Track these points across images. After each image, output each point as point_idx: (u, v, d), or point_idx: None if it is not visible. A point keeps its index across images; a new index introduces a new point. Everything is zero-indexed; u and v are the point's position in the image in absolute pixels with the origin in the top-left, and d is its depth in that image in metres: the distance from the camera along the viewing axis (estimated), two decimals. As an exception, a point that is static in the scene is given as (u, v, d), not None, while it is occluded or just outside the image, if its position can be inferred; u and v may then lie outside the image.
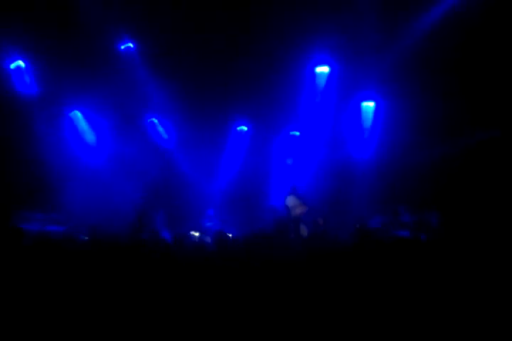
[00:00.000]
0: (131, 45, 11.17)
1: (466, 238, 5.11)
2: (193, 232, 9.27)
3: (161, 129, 12.16)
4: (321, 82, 11.40)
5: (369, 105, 11.38)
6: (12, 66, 10.84)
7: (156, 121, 12.14)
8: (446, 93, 9.15)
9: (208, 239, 8.04)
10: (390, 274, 3.74)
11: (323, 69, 11.26)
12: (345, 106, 11.32)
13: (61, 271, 3.75)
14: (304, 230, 8.45)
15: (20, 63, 10.90)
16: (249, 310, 3.27)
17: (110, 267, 3.77)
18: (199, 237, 8.90)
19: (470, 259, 4.03)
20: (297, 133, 12.13)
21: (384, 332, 3.07)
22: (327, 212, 9.72)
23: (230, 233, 9.76)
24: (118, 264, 3.81)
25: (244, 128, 12.32)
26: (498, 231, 5.51)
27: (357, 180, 10.96)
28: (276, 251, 4.41)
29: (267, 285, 3.50)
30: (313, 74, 11.38)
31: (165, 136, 12.09)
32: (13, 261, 4.00)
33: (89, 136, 11.83)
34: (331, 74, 11.26)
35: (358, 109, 11.47)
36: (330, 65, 11.16)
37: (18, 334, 3.04)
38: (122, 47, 11.14)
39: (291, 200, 9.09)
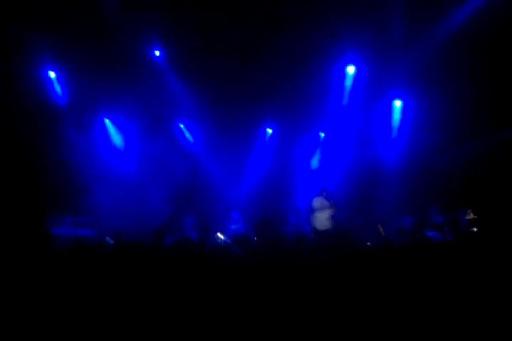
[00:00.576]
0: (157, 52, 11.31)
1: (494, 238, 4.98)
2: (218, 234, 9.29)
3: (187, 133, 12.30)
4: (349, 82, 11.34)
5: (396, 104, 11.26)
6: (44, 74, 11.16)
7: (182, 125, 12.29)
8: (475, 92, 8.93)
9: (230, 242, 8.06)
10: (410, 276, 3.68)
11: (350, 69, 11.19)
12: (373, 106, 11.20)
13: (85, 273, 3.82)
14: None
15: (51, 73, 11.20)
16: (269, 311, 3.27)
17: (132, 270, 3.83)
18: (224, 240, 8.91)
19: (496, 260, 3.94)
20: (323, 135, 12.07)
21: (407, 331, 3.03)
22: (355, 213, 9.63)
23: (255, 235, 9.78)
24: (140, 267, 3.87)
25: (270, 130, 12.34)
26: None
27: (385, 180, 10.81)
28: (298, 254, 4.40)
29: (287, 287, 3.50)
30: (341, 74, 11.31)
31: (191, 139, 12.22)
32: (40, 264, 4.12)
33: (119, 140, 12.06)
34: (358, 74, 11.17)
35: (386, 109, 11.35)
36: (357, 65, 11.06)
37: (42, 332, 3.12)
38: (157, 53, 11.27)
39: (319, 202, 9.00)
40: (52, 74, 11.24)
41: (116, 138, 12.04)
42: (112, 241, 6.63)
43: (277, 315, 3.22)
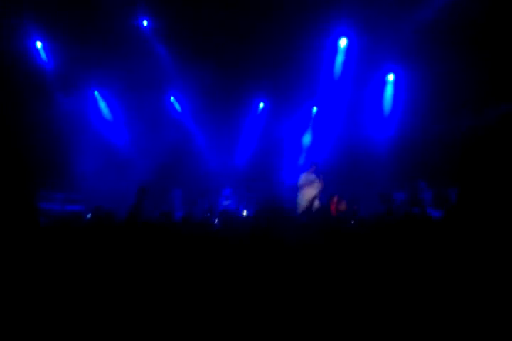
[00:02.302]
0: (145, 22, 11.04)
1: (482, 216, 4.96)
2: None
3: (178, 106, 12.17)
4: (341, 55, 11.15)
5: (389, 78, 11.13)
6: (31, 44, 10.91)
7: (172, 98, 12.14)
8: (468, 64, 8.77)
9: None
10: (398, 253, 3.67)
11: (343, 42, 10.99)
12: (366, 80, 11.06)
13: (60, 248, 3.82)
14: (317, 206, 8.19)
15: (38, 43, 10.94)
16: (250, 292, 3.25)
17: (108, 245, 3.81)
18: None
19: (483, 239, 3.92)
20: (315, 109, 11.96)
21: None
22: (345, 189, 9.58)
23: (247, 211, 9.83)
24: (116, 242, 3.85)
25: (261, 104, 12.22)
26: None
27: (376, 156, 10.80)
28: (284, 229, 4.37)
29: (268, 264, 3.48)
30: (333, 48, 11.10)
31: (181, 112, 12.08)
32: (27, 240, 4.11)
33: (108, 113, 11.93)
34: (350, 47, 10.98)
35: (379, 83, 11.22)
36: (349, 37, 10.86)
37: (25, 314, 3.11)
38: (145, 23, 10.99)
39: (305, 178, 8.69)
40: (38, 45, 10.98)
41: (105, 110, 11.90)
42: (89, 215, 6.60)
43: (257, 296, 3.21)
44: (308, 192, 8.45)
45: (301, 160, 11.56)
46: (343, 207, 7.99)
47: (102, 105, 11.88)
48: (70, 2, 9.89)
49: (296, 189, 8.82)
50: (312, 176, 8.68)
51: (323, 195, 8.52)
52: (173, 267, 3.39)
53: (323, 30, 10.49)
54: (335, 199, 7.92)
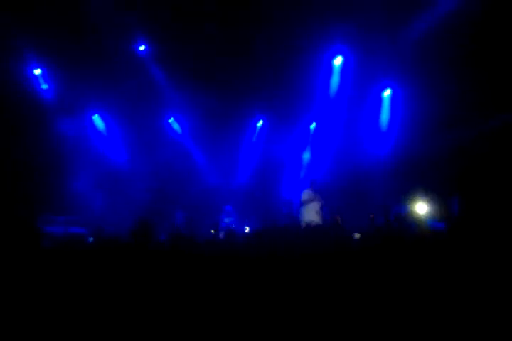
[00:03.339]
0: (143, 47, 11.20)
1: (485, 226, 4.96)
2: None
3: (178, 127, 12.27)
4: (337, 73, 11.31)
5: (385, 94, 11.29)
6: (29, 72, 11.06)
7: (172, 119, 12.25)
8: (463, 78, 8.90)
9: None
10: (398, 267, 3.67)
11: (338, 60, 11.16)
12: (363, 97, 11.19)
13: (63, 271, 3.83)
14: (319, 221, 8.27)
15: (37, 71, 11.10)
16: (250, 304, 3.25)
17: (110, 266, 3.82)
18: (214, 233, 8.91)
19: (486, 250, 3.92)
20: (313, 126, 12.07)
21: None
22: (344, 206, 9.61)
23: (248, 227, 9.84)
24: (118, 264, 3.86)
25: (260, 122, 12.34)
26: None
27: (376, 170, 10.84)
28: (285, 244, 4.38)
29: (270, 278, 3.48)
30: (328, 66, 11.27)
31: (180, 132, 12.17)
32: (29, 261, 4.12)
33: (108, 137, 12.01)
34: (345, 64, 11.14)
35: (375, 99, 11.36)
36: (345, 56, 11.03)
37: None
38: (142, 48, 11.16)
39: (307, 195, 8.80)
40: (37, 72, 11.13)
41: (105, 133, 11.99)
42: (91, 239, 6.60)
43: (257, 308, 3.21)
44: (310, 209, 8.61)
45: (301, 177, 11.61)
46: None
47: (102, 128, 11.97)
48: (67, 28, 10.05)
49: (298, 205, 8.96)
50: (312, 192, 8.83)
51: (324, 211, 8.63)
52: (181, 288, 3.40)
53: (319, 48, 10.67)
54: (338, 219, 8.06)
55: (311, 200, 8.57)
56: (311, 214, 8.47)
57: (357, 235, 5.69)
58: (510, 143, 8.55)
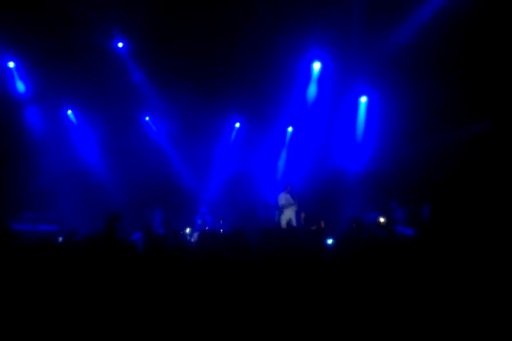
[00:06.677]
0: (120, 44, 11.07)
1: (455, 232, 5.08)
2: (187, 229, 9.25)
3: (154, 127, 12.17)
4: (315, 78, 11.40)
5: (362, 100, 11.42)
6: (3, 64, 10.80)
7: (148, 118, 12.15)
8: (439, 85, 9.06)
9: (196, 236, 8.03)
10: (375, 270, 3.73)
11: (316, 65, 11.26)
12: (339, 102, 11.30)
13: (36, 270, 3.79)
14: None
15: (10, 63, 10.85)
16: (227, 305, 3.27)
17: (81, 266, 3.79)
18: (189, 234, 8.86)
19: (457, 254, 4.01)
20: (290, 130, 12.15)
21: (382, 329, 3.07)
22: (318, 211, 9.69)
23: (222, 229, 9.82)
24: (88, 263, 3.83)
25: (237, 124, 12.36)
26: (490, 224, 5.48)
27: (349, 177, 10.98)
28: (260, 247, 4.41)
29: (244, 280, 3.50)
30: (307, 71, 11.36)
31: (156, 131, 12.07)
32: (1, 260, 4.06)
33: (82, 133, 11.82)
34: (324, 70, 11.24)
35: (352, 105, 11.48)
36: (323, 62, 11.12)
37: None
38: (120, 45, 11.02)
39: (283, 198, 8.94)
40: (11, 65, 10.88)
41: (79, 130, 11.79)
42: (60, 238, 6.50)
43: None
44: (287, 212, 8.74)
45: (277, 180, 11.66)
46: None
47: (76, 124, 11.77)
48: (44, 22, 9.85)
49: (275, 208, 9.04)
50: (289, 196, 8.92)
51: (298, 214, 8.71)
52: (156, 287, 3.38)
53: (298, 53, 10.72)
54: (322, 224, 8.11)
55: (289, 204, 8.67)
56: (288, 217, 8.52)
57: (329, 240, 5.77)
58: (479, 153, 8.77)
